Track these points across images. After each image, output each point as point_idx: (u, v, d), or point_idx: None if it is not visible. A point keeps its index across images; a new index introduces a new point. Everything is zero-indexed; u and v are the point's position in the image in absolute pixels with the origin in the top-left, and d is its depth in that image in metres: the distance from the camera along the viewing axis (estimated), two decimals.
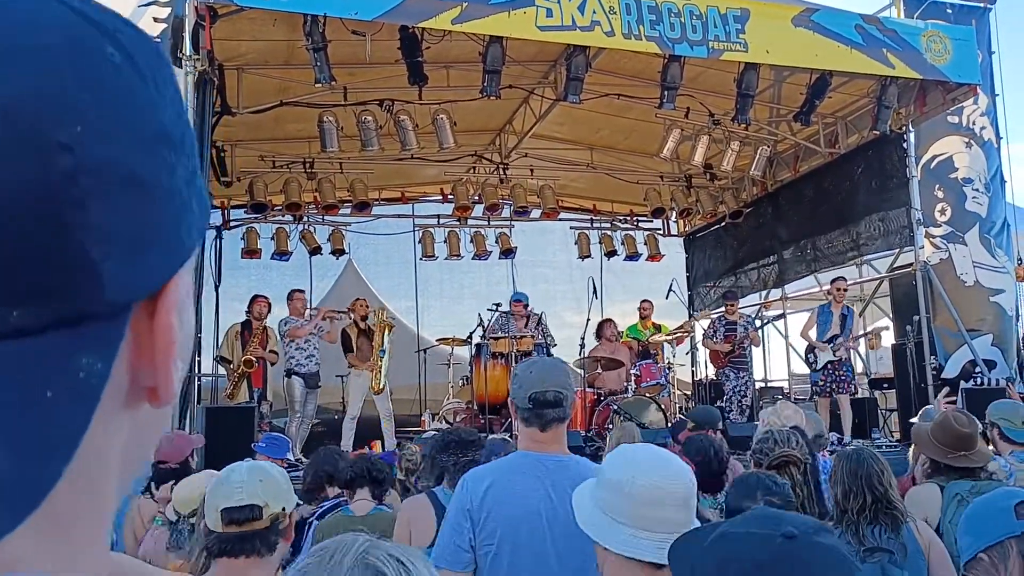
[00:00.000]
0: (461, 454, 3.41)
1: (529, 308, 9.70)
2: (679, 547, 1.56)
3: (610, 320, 10.49)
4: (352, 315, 9.47)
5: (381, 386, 9.12)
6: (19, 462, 0.38)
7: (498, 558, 2.36)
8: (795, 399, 10.29)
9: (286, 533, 2.20)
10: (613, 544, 1.84)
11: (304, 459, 8.20)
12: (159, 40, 7.52)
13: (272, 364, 9.09)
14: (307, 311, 9.41)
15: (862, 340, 9.49)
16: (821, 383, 9.24)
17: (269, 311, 9.20)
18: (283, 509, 2.17)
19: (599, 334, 10.14)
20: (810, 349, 9.53)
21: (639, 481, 1.83)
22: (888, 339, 10.83)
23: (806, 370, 10.18)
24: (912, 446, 4.86)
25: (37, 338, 0.39)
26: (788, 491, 2.55)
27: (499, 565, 2.36)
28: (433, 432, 9.01)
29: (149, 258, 0.42)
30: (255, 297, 9.23)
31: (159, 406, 0.46)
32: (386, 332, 9.32)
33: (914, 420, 5.96)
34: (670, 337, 10.66)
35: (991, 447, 4.13)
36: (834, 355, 9.20)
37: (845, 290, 9.55)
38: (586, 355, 9.64)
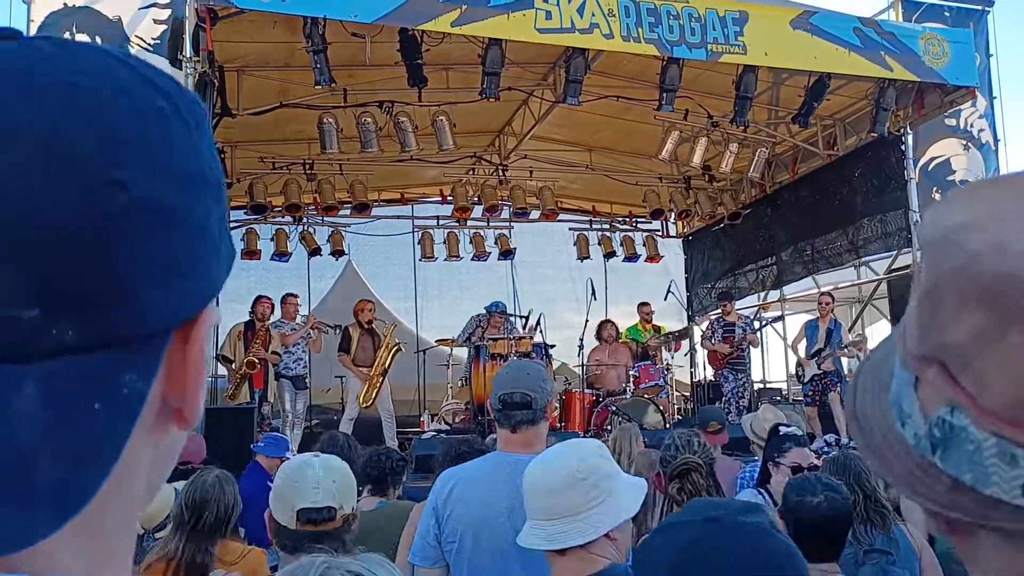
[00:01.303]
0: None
1: (512, 316, 9.65)
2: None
3: (609, 321, 10.51)
4: (356, 317, 9.51)
5: (370, 403, 9.13)
6: (67, 468, 0.42)
7: (460, 554, 2.44)
8: (792, 400, 10.34)
9: (354, 532, 2.23)
10: (520, 538, 1.97)
11: None
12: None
13: (274, 365, 9.11)
14: (298, 316, 9.43)
15: (847, 351, 9.60)
16: (810, 394, 9.45)
17: (272, 312, 9.22)
18: (353, 509, 2.21)
19: (599, 335, 10.16)
20: (799, 362, 9.73)
21: (527, 474, 1.97)
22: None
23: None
24: None
25: (88, 356, 0.42)
26: (843, 488, 2.63)
27: (461, 561, 2.44)
28: (432, 433, 9.07)
29: (185, 289, 0.46)
30: (259, 298, 9.24)
31: (184, 428, 0.50)
32: (393, 355, 9.34)
33: None
34: (668, 341, 10.66)
35: None
36: (819, 368, 9.38)
37: (829, 304, 9.66)
38: (586, 356, 9.67)
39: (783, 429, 3.80)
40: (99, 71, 0.45)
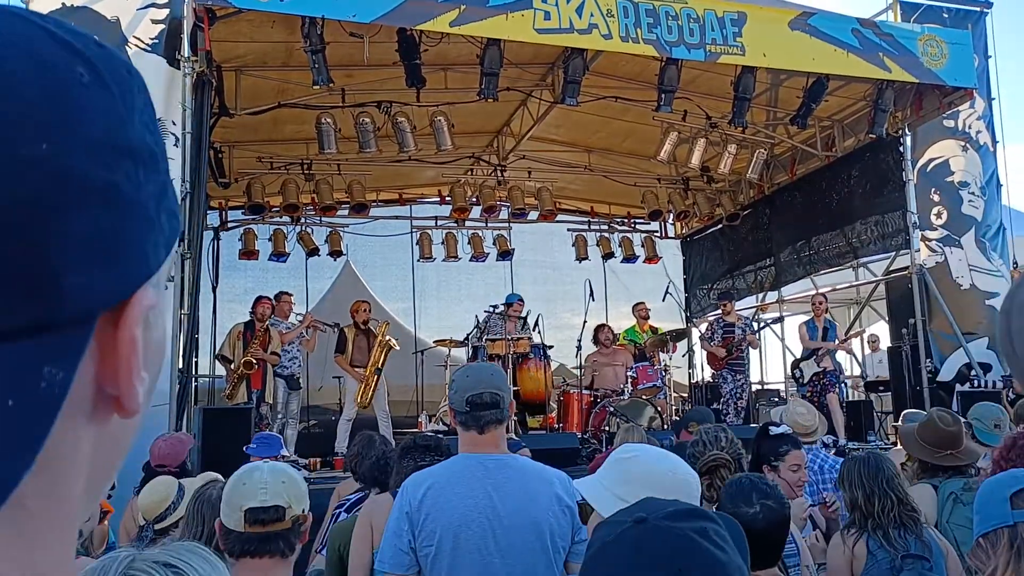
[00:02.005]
0: (420, 459, 3.43)
1: (526, 311, 9.70)
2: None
3: (605, 325, 10.48)
4: (352, 317, 9.50)
5: (367, 403, 9.11)
6: None
7: (438, 559, 2.40)
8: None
9: (304, 535, 2.20)
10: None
11: (298, 458, 8.24)
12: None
13: (273, 366, 9.10)
14: (292, 315, 9.41)
15: (847, 347, 9.71)
16: (808, 395, 9.45)
17: (272, 312, 9.21)
18: (303, 511, 2.18)
19: (596, 339, 10.11)
20: (795, 365, 9.76)
21: (673, 474, 1.86)
22: (884, 342, 10.92)
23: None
24: (894, 446, 4.89)
25: None
26: (780, 492, 2.56)
27: (439, 566, 2.40)
28: (430, 434, 9.05)
29: (112, 270, 0.43)
30: (259, 298, 9.22)
31: (125, 416, 0.46)
32: (386, 352, 9.33)
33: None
34: (665, 342, 10.63)
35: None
36: (818, 366, 9.43)
37: (822, 304, 9.75)
38: (584, 358, 9.67)
39: (774, 429, 3.73)
40: (9, 38, 0.42)
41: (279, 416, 8.89)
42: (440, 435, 8.60)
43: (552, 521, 2.47)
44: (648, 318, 10.98)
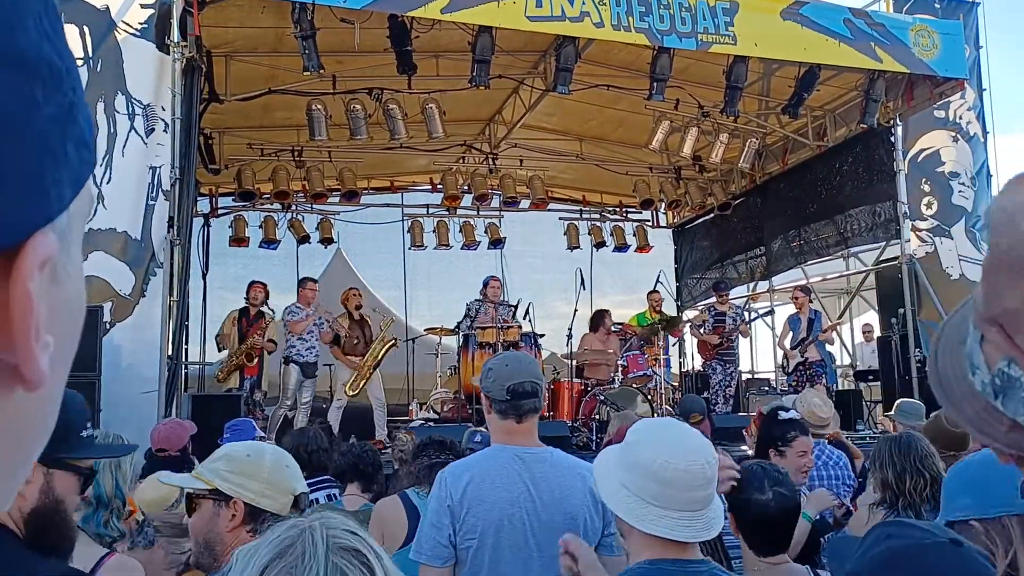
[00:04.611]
0: (435, 456, 3.43)
1: (509, 300, 9.66)
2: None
3: (607, 311, 10.48)
4: (344, 305, 9.47)
5: (357, 392, 9.09)
6: None
7: (480, 552, 2.39)
8: (780, 391, 10.37)
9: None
10: (647, 526, 1.87)
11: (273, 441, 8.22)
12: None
13: (269, 353, 9.06)
14: (315, 301, 9.27)
15: (828, 336, 9.79)
16: (794, 384, 9.54)
17: (266, 297, 9.16)
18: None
19: (601, 323, 10.07)
20: (784, 356, 9.88)
21: (672, 465, 1.85)
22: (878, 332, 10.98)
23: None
24: (883, 435, 4.88)
25: None
26: (791, 480, 2.59)
27: (481, 558, 2.39)
28: (420, 422, 9.06)
29: None
30: (252, 283, 9.19)
31: (29, 389, 0.39)
32: (387, 348, 9.30)
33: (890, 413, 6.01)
34: (656, 330, 10.64)
35: None
36: (802, 356, 9.50)
37: (799, 299, 9.77)
38: (576, 344, 9.67)
39: (783, 414, 3.71)
40: None
41: (288, 402, 8.83)
42: (431, 423, 8.65)
43: (586, 515, 2.47)
44: (660, 309, 11.01)
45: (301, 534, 0.96)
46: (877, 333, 11.29)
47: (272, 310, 9.34)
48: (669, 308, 12.54)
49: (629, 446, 1.95)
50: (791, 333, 9.80)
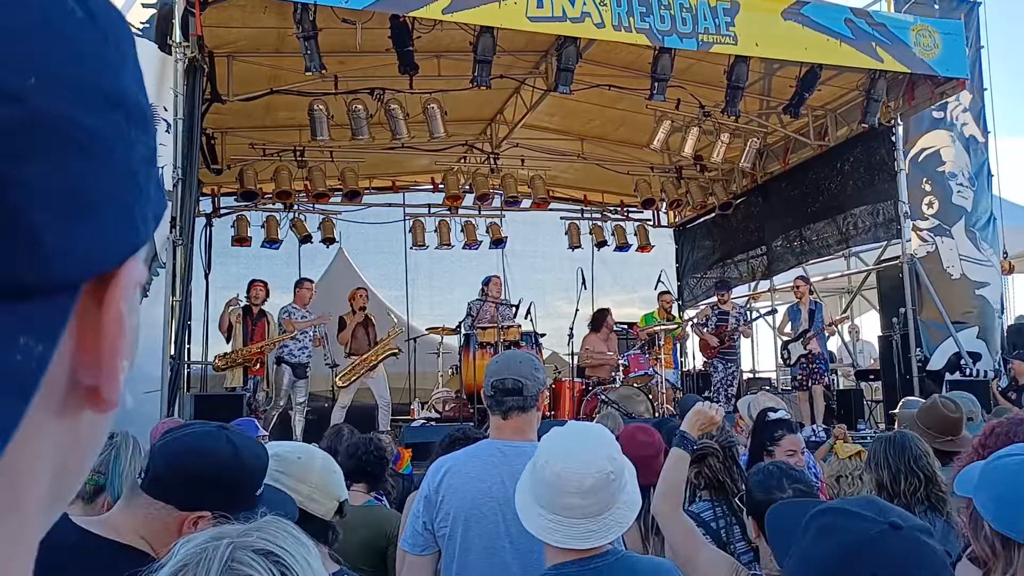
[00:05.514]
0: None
1: (510, 300, 9.68)
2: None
3: (609, 310, 10.50)
4: (351, 304, 9.52)
5: (345, 384, 9.10)
6: None
7: (451, 539, 2.46)
8: (781, 389, 10.39)
9: None
10: (529, 526, 1.92)
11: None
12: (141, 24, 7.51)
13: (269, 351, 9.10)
14: (312, 301, 9.32)
15: (833, 329, 9.76)
16: (799, 378, 9.45)
17: (267, 296, 9.19)
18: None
19: (602, 323, 10.09)
20: (784, 346, 9.79)
21: (549, 467, 1.89)
22: (874, 331, 10.98)
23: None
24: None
25: None
26: (807, 476, 2.60)
27: (452, 547, 2.46)
28: (422, 421, 9.08)
29: (99, 234, 0.37)
30: (252, 282, 9.22)
31: (102, 411, 0.40)
32: (386, 354, 9.32)
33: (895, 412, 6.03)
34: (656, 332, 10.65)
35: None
36: (804, 348, 9.42)
37: (800, 288, 9.73)
38: (578, 345, 9.69)
39: (772, 414, 3.76)
40: None
41: (281, 402, 8.87)
42: (432, 423, 8.66)
43: None
44: (670, 310, 11.01)
45: (203, 551, 0.94)
46: (865, 333, 11.30)
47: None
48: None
49: (538, 465, 1.98)
50: (789, 324, 9.74)
